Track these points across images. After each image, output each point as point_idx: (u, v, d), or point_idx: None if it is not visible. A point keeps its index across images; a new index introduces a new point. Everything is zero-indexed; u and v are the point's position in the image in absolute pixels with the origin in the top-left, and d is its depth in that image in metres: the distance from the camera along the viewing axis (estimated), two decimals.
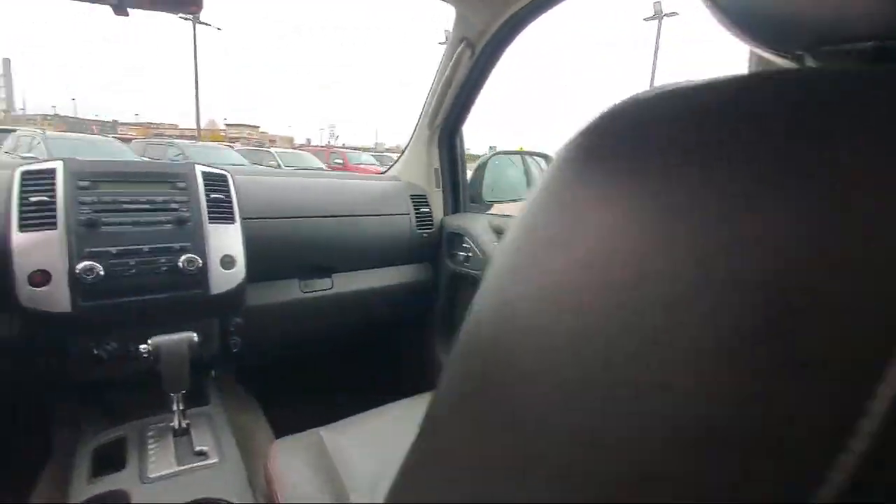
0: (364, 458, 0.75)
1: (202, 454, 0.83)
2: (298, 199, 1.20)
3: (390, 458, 0.79)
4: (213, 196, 1.01)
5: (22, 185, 0.85)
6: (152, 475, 0.76)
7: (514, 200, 1.56)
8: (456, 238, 1.36)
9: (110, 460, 0.84)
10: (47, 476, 0.93)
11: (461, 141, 1.44)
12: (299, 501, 0.69)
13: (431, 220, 1.39)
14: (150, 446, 0.84)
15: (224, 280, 0.97)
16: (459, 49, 1.14)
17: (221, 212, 1.00)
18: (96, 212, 0.88)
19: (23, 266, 0.80)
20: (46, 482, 0.93)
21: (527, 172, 1.65)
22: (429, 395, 0.94)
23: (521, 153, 1.60)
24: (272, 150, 12.98)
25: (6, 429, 1.07)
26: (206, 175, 1.02)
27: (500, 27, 1.09)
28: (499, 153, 1.55)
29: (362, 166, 13.32)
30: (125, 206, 0.91)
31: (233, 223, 1.01)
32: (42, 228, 0.83)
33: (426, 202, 1.40)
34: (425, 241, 1.38)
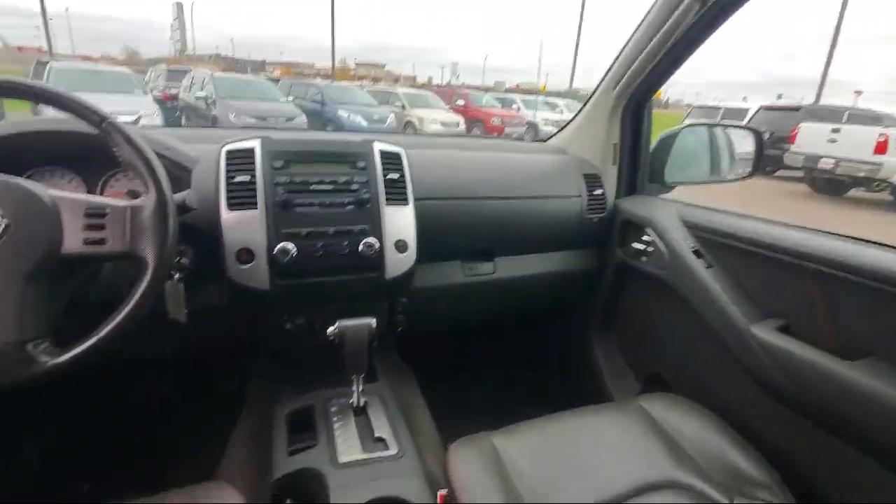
0: (537, 469, 0.76)
1: (381, 441, 0.85)
2: (466, 179, 1.12)
3: (563, 471, 0.75)
4: (389, 176, 0.97)
5: (228, 164, 0.89)
6: (342, 459, 0.80)
7: (701, 183, 1.32)
8: (632, 226, 1.19)
9: (301, 426, 0.91)
10: (244, 426, 1.06)
11: (650, 112, 1.22)
12: None
13: (604, 204, 1.24)
14: (334, 423, 0.89)
15: (398, 264, 0.96)
16: (687, 2, 0.92)
17: (397, 193, 0.97)
18: (289, 192, 0.90)
19: (231, 243, 0.85)
20: (243, 430, 1.06)
21: (712, 148, 1.37)
22: (595, 412, 0.84)
23: (721, 126, 1.32)
24: (398, 90, 13.19)
25: (208, 380, 1.24)
26: (383, 154, 0.99)
27: None
28: (695, 124, 1.30)
29: (484, 109, 12.99)
30: (313, 186, 0.92)
31: (406, 205, 0.98)
32: (245, 208, 0.87)
33: (600, 183, 1.24)
34: (594, 225, 1.23)
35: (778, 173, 8.96)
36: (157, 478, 1.19)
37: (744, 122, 9.70)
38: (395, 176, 0.98)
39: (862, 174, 7.07)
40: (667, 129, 1.27)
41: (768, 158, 8.86)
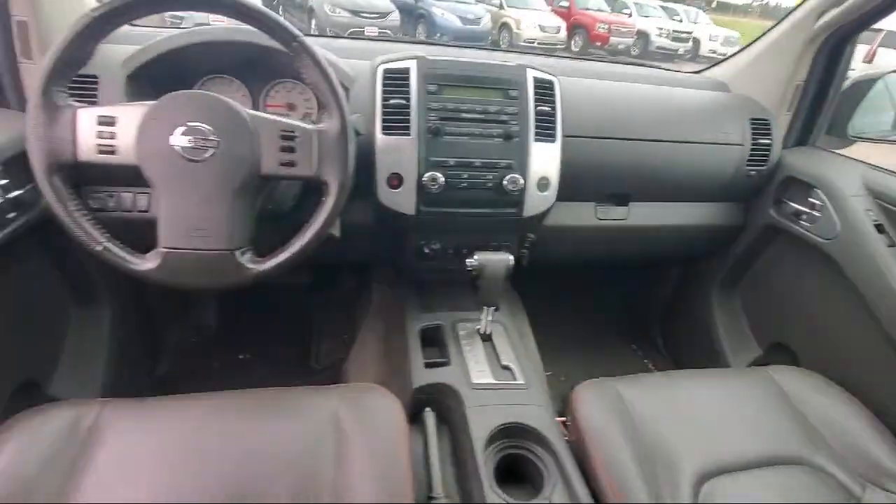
0: (661, 422, 0.77)
1: (508, 369, 0.90)
2: (617, 116, 1.03)
3: (687, 429, 0.76)
4: (540, 108, 0.92)
5: (384, 86, 0.87)
6: (475, 381, 0.86)
7: (888, 141, 1.12)
8: (796, 184, 1.06)
9: (430, 342, 0.98)
10: (372, 330, 1.17)
11: (852, 50, 1.01)
12: (607, 447, 0.72)
13: (768, 155, 1.09)
14: (464, 345, 0.95)
15: (537, 202, 0.94)
16: None
17: (546, 128, 0.92)
18: (441, 119, 0.88)
19: (383, 167, 0.87)
20: (372, 334, 1.17)
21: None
22: (723, 376, 0.82)
23: None
24: None
25: (348, 290, 1.36)
26: (536, 82, 0.92)
27: None
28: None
29: (590, 13, 11.58)
30: (463, 114, 0.89)
31: (554, 142, 0.93)
32: (399, 133, 0.87)
33: (769, 131, 1.09)
34: (750, 179, 1.11)
35: None
36: (296, 362, 1.38)
37: None
38: (546, 108, 0.92)
39: None
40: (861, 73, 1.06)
41: None
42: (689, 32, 11.58)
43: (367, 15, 8.24)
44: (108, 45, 0.88)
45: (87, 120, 0.61)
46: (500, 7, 10.66)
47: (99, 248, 0.62)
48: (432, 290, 1.10)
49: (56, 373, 0.92)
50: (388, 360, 1.08)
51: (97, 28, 0.61)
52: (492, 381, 0.87)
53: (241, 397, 0.70)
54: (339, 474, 0.60)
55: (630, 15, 12.09)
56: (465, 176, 0.89)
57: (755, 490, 0.70)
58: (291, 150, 0.66)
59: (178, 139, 0.61)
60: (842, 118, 1.09)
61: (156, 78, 0.85)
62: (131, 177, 0.63)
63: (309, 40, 0.66)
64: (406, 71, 0.88)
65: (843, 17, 0.95)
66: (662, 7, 13.20)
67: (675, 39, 11.37)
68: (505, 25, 10.53)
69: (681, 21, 12.11)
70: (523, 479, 0.76)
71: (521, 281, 1.22)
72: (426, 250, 0.99)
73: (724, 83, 1.20)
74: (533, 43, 10.14)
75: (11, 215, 0.74)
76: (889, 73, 1.04)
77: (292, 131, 0.66)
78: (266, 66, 0.90)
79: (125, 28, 0.97)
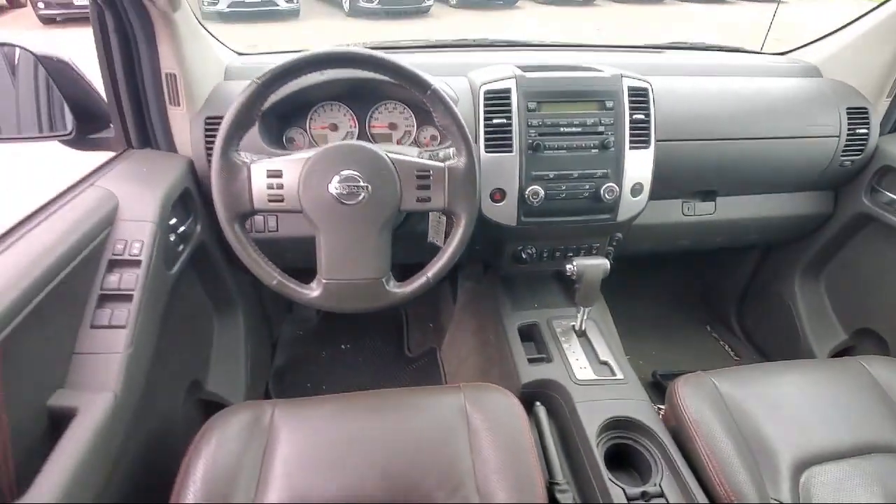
0: (759, 414, 0.82)
1: (606, 364, 0.98)
2: (708, 115, 1.04)
3: (784, 420, 0.81)
4: (635, 117, 0.95)
5: (486, 106, 0.93)
6: (579, 377, 0.95)
7: None
8: (894, 173, 1.05)
9: (527, 337, 1.07)
10: (462, 323, 1.27)
11: None
12: (709, 438, 0.79)
13: (866, 145, 1.08)
14: (563, 343, 1.03)
15: (630, 207, 0.98)
16: None
17: (640, 135, 0.95)
18: (540, 135, 0.93)
19: (487, 182, 0.94)
20: (463, 326, 1.27)
21: None
22: (814, 367, 0.85)
23: None
24: None
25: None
26: (631, 90, 0.94)
27: None
28: None
29: None
30: (561, 129, 0.93)
31: (648, 148, 0.96)
32: (501, 150, 0.92)
33: (867, 119, 1.07)
34: (845, 168, 1.10)
35: None
36: (395, 345, 1.51)
37: None
38: (641, 116, 0.95)
39: None
40: None
41: None
42: None
43: None
44: (236, 84, 0.98)
45: (258, 174, 0.71)
46: None
47: (274, 282, 0.73)
48: (520, 286, 1.18)
49: (210, 372, 1.07)
50: (486, 353, 1.18)
51: (261, 94, 0.69)
52: (594, 376, 0.95)
53: (383, 396, 0.82)
54: (478, 464, 0.70)
55: None
56: (564, 187, 0.95)
57: (852, 477, 0.75)
58: (427, 187, 0.74)
59: (335, 187, 0.70)
60: None
61: (279, 111, 0.94)
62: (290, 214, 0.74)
63: (435, 85, 0.72)
64: (507, 91, 0.93)
65: None
66: None
67: None
68: None
69: None
70: (629, 467, 0.85)
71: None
72: (523, 255, 1.06)
73: (816, 67, 1.16)
74: None
75: (181, 248, 0.86)
76: None
77: (427, 170, 0.73)
78: (369, 91, 0.97)
79: (242, 63, 1.06)
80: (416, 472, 0.69)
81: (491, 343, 1.14)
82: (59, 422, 0.60)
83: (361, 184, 0.71)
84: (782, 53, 1.27)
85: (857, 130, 1.06)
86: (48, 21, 7.05)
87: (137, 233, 0.74)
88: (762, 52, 1.28)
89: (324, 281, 0.74)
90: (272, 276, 0.73)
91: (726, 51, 1.27)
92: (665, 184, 1.05)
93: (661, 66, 1.14)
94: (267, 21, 7.14)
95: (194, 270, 1.01)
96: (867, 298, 1.16)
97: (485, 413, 0.77)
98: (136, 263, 0.72)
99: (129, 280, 0.71)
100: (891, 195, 1.05)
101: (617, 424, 0.86)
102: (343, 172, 0.70)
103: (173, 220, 0.84)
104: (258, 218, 0.98)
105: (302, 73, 0.71)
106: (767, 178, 1.11)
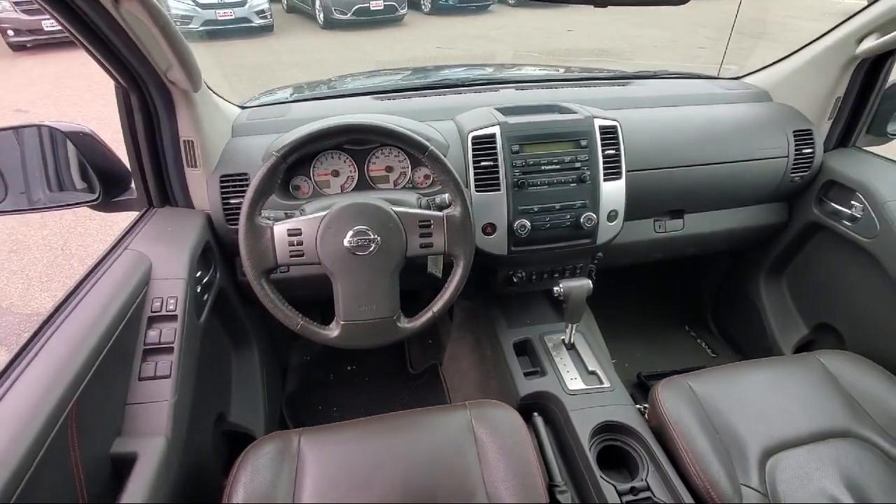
0: (731, 410, 0.92)
1: (594, 374, 1.09)
2: (670, 145, 1.16)
3: (751, 414, 0.92)
4: (607, 152, 1.06)
5: (474, 150, 1.03)
6: (570, 387, 1.06)
7: None
8: (839, 188, 1.18)
9: (521, 352, 1.17)
10: (461, 341, 1.36)
11: (891, 66, 1.10)
12: (687, 436, 0.89)
13: (812, 163, 1.21)
14: (554, 356, 1.14)
15: (608, 231, 1.10)
16: None
17: (612, 168, 1.06)
18: (524, 174, 1.03)
19: (479, 218, 1.04)
20: (462, 345, 1.37)
21: None
22: (777, 363, 0.98)
23: None
24: None
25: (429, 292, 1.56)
26: (602, 129, 1.06)
27: None
28: None
29: None
30: (543, 167, 1.04)
31: (620, 178, 1.07)
32: (490, 189, 1.03)
33: (811, 140, 1.20)
34: (794, 184, 1.23)
35: None
36: (398, 363, 1.60)
37: None
38: (612, 151, 1.06)
39: None
40: None
41: None
42: None
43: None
44: (250, 141, 1.06)
45: (280, 233, 0.80)
46: None
47: (298, 326, 0.83)
48: (513, 303, 1.28)
49: (232, 404, 1.15)
50: (484, 368, 1.28)
51: (279, 165, 0.78)
52: (584, 386, 1.06)
53: (398, 418, 0.91)
54: (486, 473, 0.80)
55: None
56: (548, 218, 1.06)
57: (811, 461, 0.87)
58: (429, 234, 0.84)
59: (349, 241, 0.80)
60: (882, 118, 1.19)
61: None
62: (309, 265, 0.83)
63: (427, 139, 0.82)
64: (492, 137, 1.03)
65: (886, 47, 1.04)
66: None
67: None
68: None
69: None
70: (619, 466, 0.96)
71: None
72: (514, 278, 1.17)
73: (767, 92, 1.29)
74: None
75: (205, 297, 0.95)
76: None
77: (428, 220, 0.83)
78: (364, 141, 1.07)
79: (248, 118, 1.14)
80: (434, 485, 0.79)
81: (488, 358, 1.24)
82: (121, 466, 0.68)
83: (372, 236, 0.80)
84: (736, 78, 1.39)
85: (804, 150, 1.19)
86: (18, 48, 6.96)
87: (171, 289, 0.83)
88: (718, 77, 1.41)
89: (342, 322, 0.83)
90: (297, 321, 0.83)
91: (686, 77, 1.39)
92: (637, 207, 1.17)
93: (629, 98, 1.25)
94: (242, 38, 7.15)
95: (215, 314, 1.09)
96: (823, 296, 1.29)
97: (489, 427, 0.87)
98: (173, 318, 0.81)
99: (168, 334, 0.79)
100: (835, 206, 1.18)
101: (606, 428, 0.97)
102: (355, 227, 0.80)
103: (198, 273, 0.92)
104: None
105: (314, 145, 0.80)
106: (727, 197, 1.24)
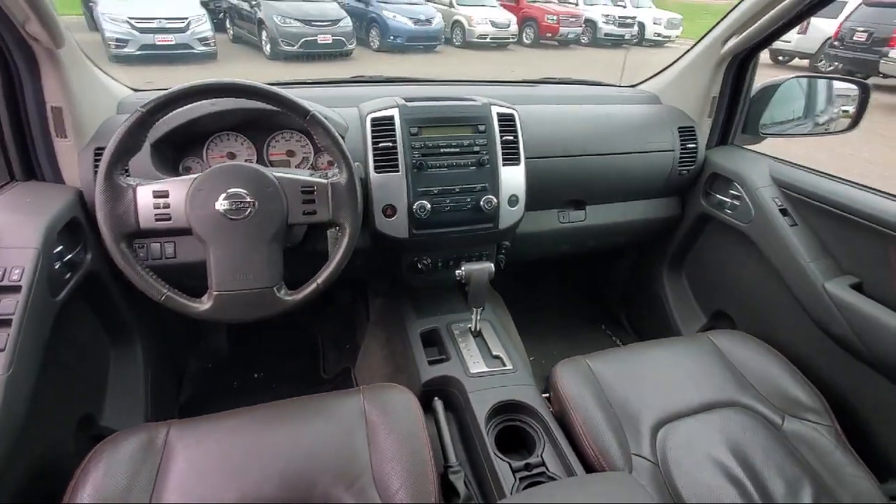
0: (624, 386, 0.96)
1: (498, 358, 1.08)
2: (568, 136, 1.22)
3: (644, 389, 0.95)
4: (505, 138, 1.09)
5: (373, 132, 1.03)
6: (472, 370, 1.03)
7: (797, 136, 1.34)
8: (721, 179, 1.27)
9: (429, 342, 1.15)
10: (374, 338, 1.32)
11: (754, 67, 1.23)
12: (583, 411, 0.90)
13: (695, 157, 1.31)
14: (459, 343, 1.12)
15: (509, 216, 1.12)
16: None
17: (511, 153, 1.10)
18: (423, 156, 1.04)
19: (378, 200, 1.03)
20: (375, 341, 1.32)
21: (812, 100, 1.34)
22: (672, 343, 1.03)
23: (824, 78, 1.30)
24: None
25: (345, 302, 1.51)
26: (500, 116, 1.09)
27: None
28: (800, 76, 1.28)
29: (537, 5, 11.84)
30: (442, 149, 1.06)
31: (518, 164, 1.11)
32: (389, 171, 1.03)
33: (694, 136, 1.30)
34: (683, 177, 1.32)
35: (872, 81, 7.93)
36: (307, 373, 1.52)
37: (840, 18, 8.47)
38: (510, 137, 1.10)
39: None
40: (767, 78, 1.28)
41: (861, 64, 7.84)
42: (634, 17, 12.01)
43: (319, 23, 8.24)
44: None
45: (144, 195, 0.75)
46: (451, 6, 10.82)
47: (162, 297, 0.76)
48: (425, 296, 1.26)
49: (105, 405, 1.04)
50: (394, 362, 1.24)
51: (146, 120, 0.74)
52: (485, 369, 1.04)
53: (283, 406, 0.85)
54: (375, 456, 0.76)
55: (577, 4, 12.46)
56: (448, 201, 1.06)
57: (699, 429, 0.89)
58: (312, 201, 0.81)
59: (222, 204, 0.76)
60: (754, 118, 1.31)
61: (174, 141, 0.98)
62: (181, 234, 0.78)
63: (312, 107, 0.81)
64: (391, 118, 1.04)
65: (743, 45, 1.17)
66: None
67: (621, 25, 11.77)
68: (457, 23, 10.71)
69: (625, 7, 12.56)
70: (520, 446, 0.94)
71: (501, 282, 1.40)
72: (419, 265, 1.15)
73: (656, 95, 1.40)
74: (486, 38, 10.39)
75: (67, 276, 0.86)
76: (788, 79, 1.26)
77: (311, 186, 0.81)
78: (265, 121, 1.04)
79: (137, 98, 1.09)
80: (315, 471, 0.73)
81: (398, 352, 1.20)
82: None
83: (248, 200, 0.77)
84: (633, 86, 1.51)
85: (688, 145, 1.29)
86: None
87: (18, 259, 0.75)
88: (617, 85, 1.51)
89: (215, 293, 0.78)
90: (161, 291, 0.76)
91: (588, 84, 1.48)
92: (539, 195, 1.21)
93: (532, 96, 1.32)
94: (183, 64, 7.00)
95: (87, 302, 0.99)
96: (717, 285, 1.37)
97: (382, 409, 0.83)
98: (17, 289, 0.72)
99: (9, 305, 0.71)
100: (720, 197, 1.27)
101: (505, 408, 0.95)
102: (229, 190, 0.76)
103: (59, 248, 0.84)
104: (154, 245, 0.99)
105: (184, 102, 0.77)
106: (622, 187, 1.30)
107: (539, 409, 0.95)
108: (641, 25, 12.02)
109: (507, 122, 1.10)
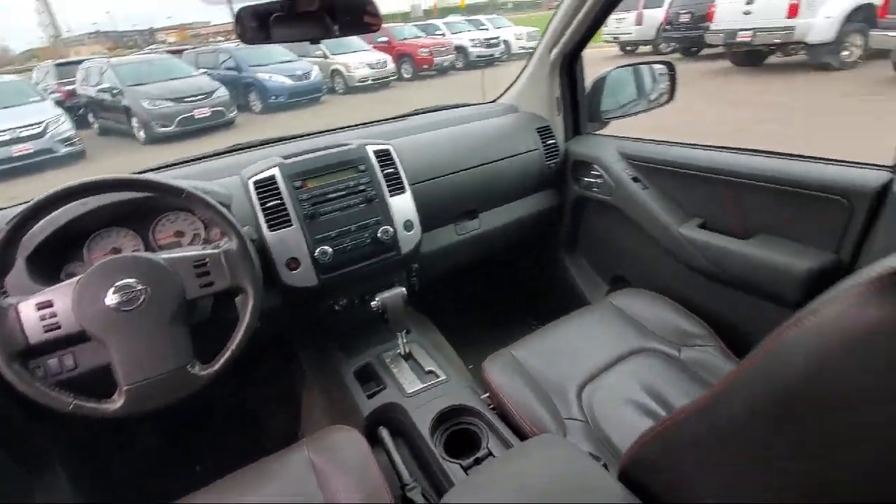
0: (546, 365, 1.04)
1: (431, 373, 1.13)
2: (445, 156, 1.33)
3: (564, 361, 1.05)
4: (386, 171, 1.18)
5: (258, 193, 1.06)
6: (409, 390, 1.07)
7: (632, 114, 1.56)
8: (582, 164, 1.45)
9: (366, 378, 1.17)
10: (312, 391, 1.32)
11: (581, 64, 1.44)
12: (516, 397, 0.97)
13: (557, 150, 1.48)
14: (392, 369, 1.16)
15: (409, 240, 1.19)
16: None
17: (395, 184, 1.18)
18: (313, 205, 1.09)
19: (279, 256, 1.06)
20: (313, 394, 1.32)
21: (638, 83, 1.58)
22: (579, 314, 1.16)
23: (642, 64, 1.54)
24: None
25: (274, 364, 1.47)
26: (376, 153, 1.18)
27: None
28: (619, 67, 1.51)
29: (408, 42, 12.48)
30: (329, 196, 1.11)
31: (405, 192, 1.19)
32: (284, 227, 1.06)
33: (551, 133, 1.47)
34: (552, 170, 1.48)
35: (703, 53, 9.26)
36: (252, 448, 1.46)
37: (658, 7, 9.82)
38: (391, 170, 1.18)
39: (778, 40, 7.28)
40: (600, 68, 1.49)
41: (691, 40, 9.11)
42: (497, 37, 13.00)
43: (192, 98, 8.03)
44: None
45: (27, 310, 0.72)
46: (325, 56, 11.06)
47: (70, 407, 0.73)
48: (352, 335, 1.29)
49: None
50: (335, 408, 1.24)
51: (12, 238, 0.73)
52: (421, 385, 1.09)
53: (227, 483, 0.83)
54: (331, 501, 0.77)
55: (444, 35, 13.29)
56: (348, 240, 1.12)
57: (616, 380, 0.99)
58: (207, 273, 0.83)
59: (112, 298, 0.75)
60: (595, 108, 1.51)
61: (51, 249, 0.95)
62: (77, 340, 0.75)
63: (186, 185, 0.84)
64: (272, 177, 1.08)
65: (565, 49, 1.36)
66: (468, 21, 14.70)
67: (488, 46, 12.67)
68: (336, 72, 10.95)
69: (487, 29, 13.60)
70: (472, 447, 0.99)
71: (426, 301, 1.47)
72: (336, 307, 1.19)
73: (514, 105, 1.57)
74: (367, 81, 10.71)
75: None
76: (611, 71, 1.48)
77: (203, 259, 0.83)
78: (146, 207, 1.04)
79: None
80: None
81: (337, 397, 1.22)
82: None
83: (138, 288, 0.77)
84: (493, 101, 1.67)
85: (548, 142, 1.46)
86: None
87: None
88: (480, 103, 1.67)
89: (125, 388, 0.76)
90: (66, 402, 0.73)
91: (453, 107, 1.62)
92: (434, 214, 1.30)
93: (406, 129, 1.42)
94: (51, 169, 6.44)
95: None
96: (609, 254, 1.54)
97: (328, 454, 0.84)
98: None
99: None
100: (586, 180, 1.44)
101: (447, 416, 1.01)
102: (117, 283, 0.76)
103: None
104: (51, 362, 0.94)
105: (50, 209, 0.76)
106: (504, 190, 1.44)
107: (478, 407, 1.01)
108: (507, 43, 13.03)
109: (384, 156, 1.19)
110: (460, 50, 12.40)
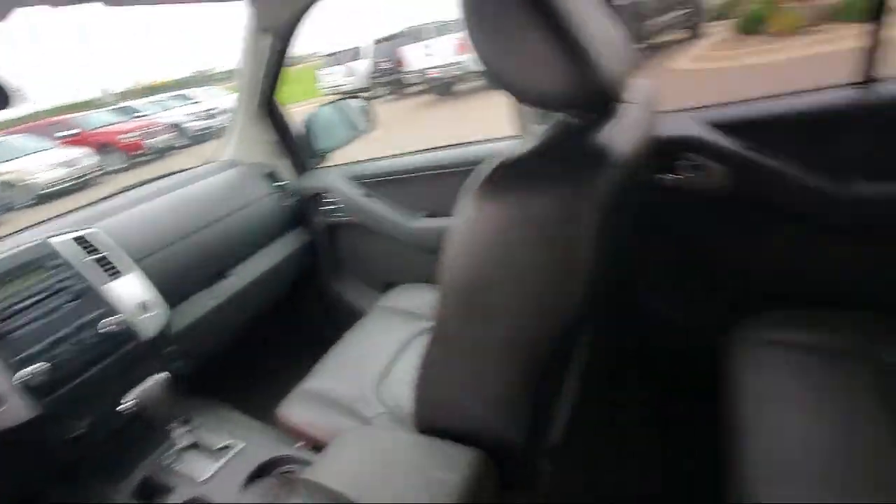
0: (337, 379, 1.06)
1: (226, 448, 1.02)
2: (173, 222, 1.24)
3: (361, 374, 1.10)
4: (94, 258, 1.02)
5: None
6: (203, 477, 0.94)
7: (345, 144, 1.73)
8: (318, 196, 1.54)
9: (147, 494, 0.99)
10: None
11: (279, 105, 1.53)
12: (316, 424, 0.96)
13: (290, 190, 1.53)
14: (181, 470, 1.00)
15: (151, 322, 1.05)
16: (269, 42, 1.23)
17: (112, 268, 1.04)
18: (2, 321, 0.87)
19: None
20: None
21: (346, 116, 1.75)
22: (359, 325, 1.29)
23: (338, 101, 1.72)
24: None
25: None
26: (76, 240, 1.02)
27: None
28: (325, 104, 1.63)
29: (103, 130, 10.71)
30: (19, 305, 0.91)
31: (128, 273, 1.06)
32: None
33: (279, 176, 1.52)
34: (292, 209, 1.53)
35: (411, 90, 10.73)
36: None
37: (360, 59, 11.14)
38: (102, 254, 1.03)
39: (457, 72, 9.08)
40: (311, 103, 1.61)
41: (397, 83, 10.55)
42: (216, 107, 12.33)
43: None
44: None
45: None
46: None
47: None
48: (115, 457, 1.07)
49: None
50: None
51: None
52: (218, 464, 0.98)
53: None
54: None
55: (147, 115, 11.89)
56: (66, 346, 0.92)
57: (406, 365, 1.05)
58: None
59: None
60: (313, 142, 1.61)
61: None
62: None
63: None
64: None
65: (263, 98, 1.43)
66: (178, 96, 13.58)
67: (209, 117, 11.90)
68: (7, 185, 8.60)
69: (200, 102, 12.79)
70: None
71: (208, 380, 1.30)
72: (72, 437, 0.95)
73: (234, 160, 1.56)
74: (59, 185, 8.72)
75: None
76: (319, 107, 1.60)
77: None
78: None
79: None
80: None
81: None
82: None
83: None
84: (208, 162, 1.61)
85: (278, 184, 1.50)
86: None
87: None
88: (193, 167, 1.59)
89: None
90: None
91: (162, 177, 1.50)
92: (180, 284, 1.18)
93: (119, 206, 1.25)
94: None
95: None
96: (374, 266, 1.65)
97: None
98: None
99: None
100: (325, 209, 1.54)
101: (260, 474, 0.93)
102: None
103: None
104: None
105: None
106: (248, 241, 1.42)
107: (290, 453, 0.97)
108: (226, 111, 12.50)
109: (85, 244, 1.03)
110: (176, 127, 11.36)
